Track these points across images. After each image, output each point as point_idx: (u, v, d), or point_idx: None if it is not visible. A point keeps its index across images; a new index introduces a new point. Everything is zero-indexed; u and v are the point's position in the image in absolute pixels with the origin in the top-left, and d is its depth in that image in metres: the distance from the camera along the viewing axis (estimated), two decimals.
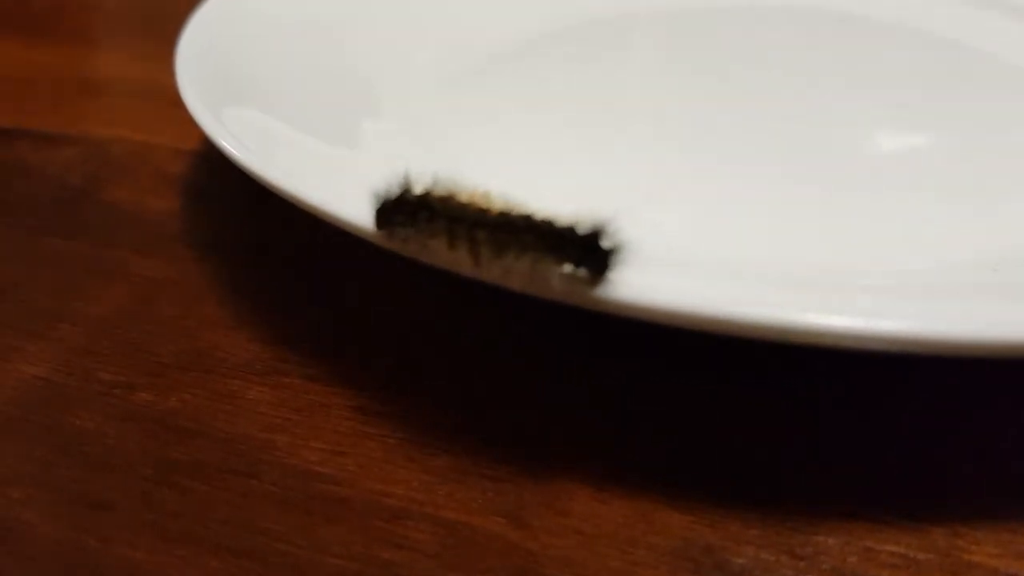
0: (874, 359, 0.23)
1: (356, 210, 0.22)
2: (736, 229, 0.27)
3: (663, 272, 0.21)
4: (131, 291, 0.27)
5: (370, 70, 0.34)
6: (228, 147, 0.25)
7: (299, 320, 0.26)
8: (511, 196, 0.21)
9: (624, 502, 0.20)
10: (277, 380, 0.24)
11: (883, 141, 0.34)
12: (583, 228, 0.20)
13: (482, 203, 0.21)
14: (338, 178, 0.26)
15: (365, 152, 0.30)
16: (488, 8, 0.40)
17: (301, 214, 0.24)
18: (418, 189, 0.21)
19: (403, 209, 0.21)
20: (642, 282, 0.20)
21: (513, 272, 0.20)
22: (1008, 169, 0.31)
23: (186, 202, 0.32)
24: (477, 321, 0.25)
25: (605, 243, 0.20)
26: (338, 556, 0.19)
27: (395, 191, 0.21)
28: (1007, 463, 0.21)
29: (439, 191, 0.21)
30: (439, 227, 0.20)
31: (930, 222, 0.28)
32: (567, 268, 0.20)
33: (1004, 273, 0.25)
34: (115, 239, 0.30)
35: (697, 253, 0.25)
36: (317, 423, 0.22)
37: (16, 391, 0.24)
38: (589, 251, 0.20)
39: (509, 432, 0.22)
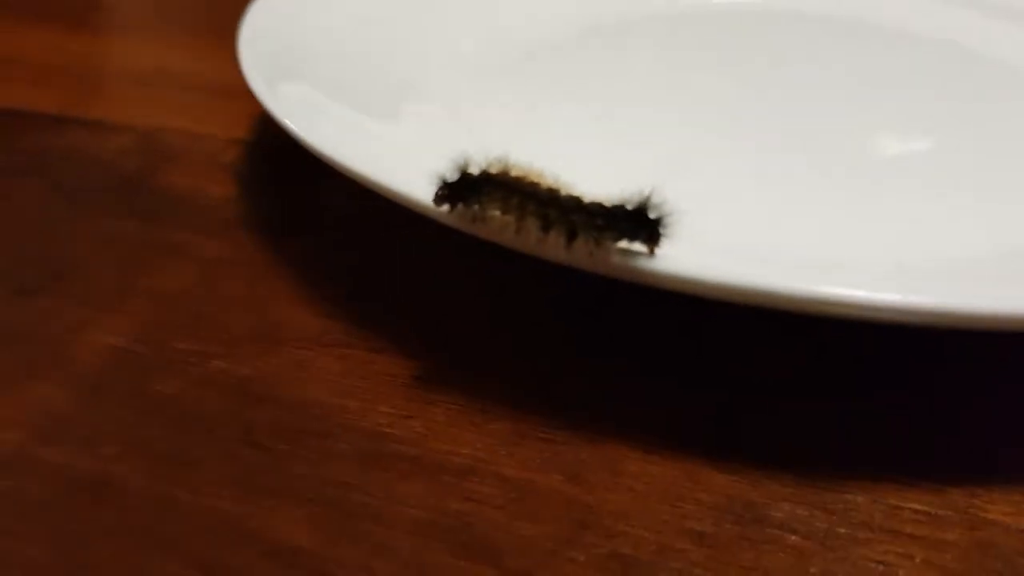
0: (896, 336, 0.25)
1: (419, 187, 0.24)
2: (750, 223, 0.29)
3: (709, 249, 0.22)
4: (196, 269, 0.29)
5: (417, 56, 0.36)
6: (298, 130, 0.27)
7: (359, 294, 0.28)
8: (561, 176, 0.22)
9: (672, 463, 0.22)
10: (343, 351, 0.25)
11: (889, 141, 0.36)
12: (632, 204, 0.22)
13: (538, 182, 0.22)
14: (395, 156, 0.28)
15: (413, 132, 0.31)
16: (529, 2, 0.42)
17: (354, 196, 0.26)
18: (476, 169, 0.23)
19: (465, 187, 0.23)
20: (693, 258, 0.21)
21: (574, 249, 0.22)
22: (1013, 169, 0.32)
23: (240, 187, 0.33)
24: (529, 296, 0.27)
25: (654, 216, 0.21)
26: (414, 507, 0.21)
27: (456, 170, 0.23)
28: (1018, 431, 0.23)
29: (497, 170, 0.23)
30: (506, 205, 0.22)
31: (933, 218, 0.29)
32: (623, 243, 0.22)
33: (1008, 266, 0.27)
34: (175, 221, 0.32)
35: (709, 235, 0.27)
36: (384, 390, 0.24)
37: (98, 360, 0.26)
38: (642, 225, 0.21)
39: (564, 399, 0.24)
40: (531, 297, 0.27)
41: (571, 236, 0.22)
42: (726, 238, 0.26)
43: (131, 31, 0.49)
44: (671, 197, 0.22)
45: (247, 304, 0.27)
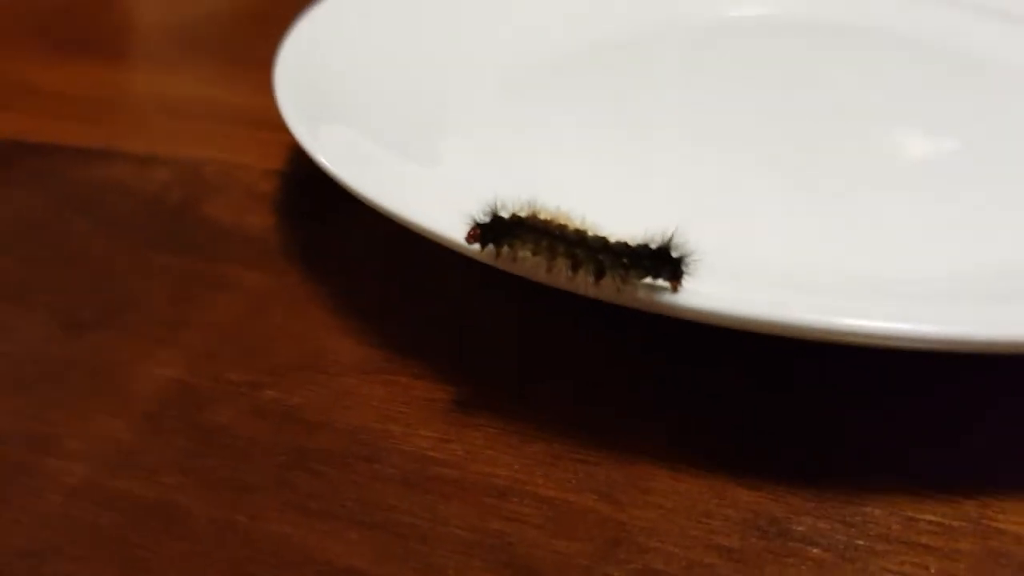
0: (908, 356, 0.26)
1: (455, 227, 0.25)
2: (767, 238, 0.30)
3: (722, 281, 0.24)
4: (243, 300, 0.31)
5: (444, 89, 0.38)
6: (332, 168, 0.29)
7: (398, 324, 0.29)
8: (585, 216, 0.24)
9: (698, 481, 0.24)
10: (386, 378, 0.27)
11: (903, 154, 0.37)
12: (656, 244, 0.23)
13: (566, 224, 0.24)
14: (431, 195, 0.29)
15: (447, 169, 0.33)
16: (537, 29, 0.43)
17: (389, 226, 0.27)
18: (507, 212, 0.24)
19: (497, 229, 0.24)
20: (708, 291, 0.23)
21: (603, 286, 0.23)
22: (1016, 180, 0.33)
23: (279, 218, 0.35)
24: (559, 324, 0.29)
25: (675, 255, 0.23)
26: (457, 527, 0.23)
27: (489, 213, 0.25)
28: None
29: (527, 213, 0.24)
30: (537, 246, 0.24)
31: (947, 229, 0.31)
32: (647, 280, 0.23)
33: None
34: (220, 253, 0.33)
35: (731, 261, 0.28)
36: (425, 415, 0.26)
37: (155, 391, 0.27)
38: (665, 263, 0.23)
39: (595, 423, 0.25)
40: (560, 325, 0.28)
41: (599, 274, 0.23)
42: (748, 262, 0.27)
43: (161, 62, 0.51)
44: (695, 227, 0.23)
45: (292, 334, 0.29)
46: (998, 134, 0.36)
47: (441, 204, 0.27)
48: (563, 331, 0.28)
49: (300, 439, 0.25)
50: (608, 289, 0.23)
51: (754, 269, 0.27)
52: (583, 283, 0.24)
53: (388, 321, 0.29)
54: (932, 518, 0.23)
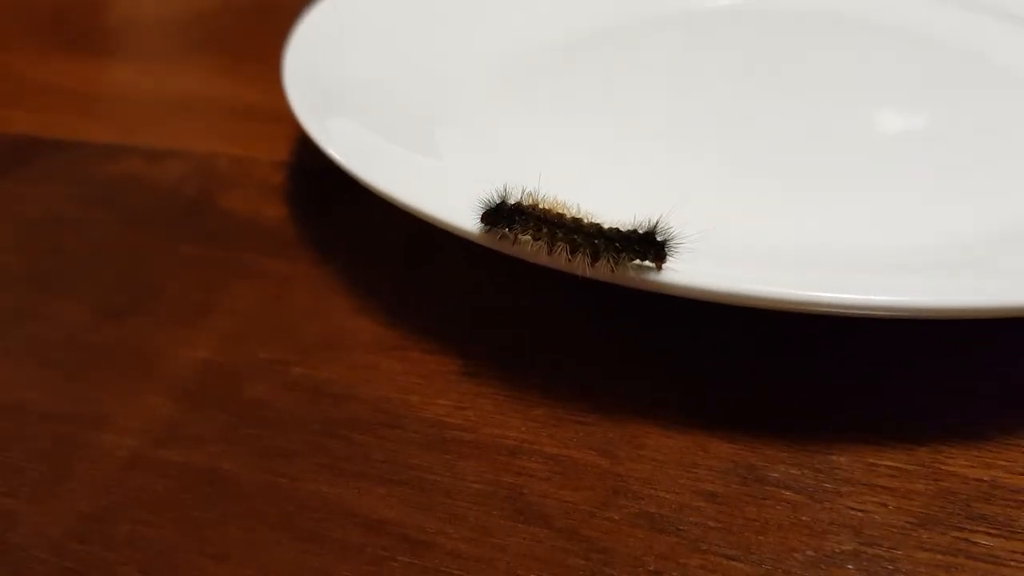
0: (872, 322, 0.29)
1: (459, 213, 0.28)
2: (756, 217, 0.33)
3: (704, 259, 0.27)
4: (264, 286, 0.33)
5: (446, 81, 0.40)
6: (341, 159, 0.32)
7: (409, 304, 0.32)
8: (581, 204, 0.27)
9: (685, 437, 0.27)
10: (402, 354, 0.30)
11: (873, 135, 0.40)
12: (643, 229, 0.26)
13: (564, 213, 0.27)
14: (438, 184, 0.32)
15: (451, 160, 0.36)
16: (534, 22, 0.46)
17: (395, 214, 0.30)
18: (511, 200, 0.27)
19: (500, 215, 0.27)
20: (690, 270, 0.26)
21: (597, 268, 0.26)
22: (994, 158, 0.36)
23: (293, 208, 0.38)
24: (557, 300, 0.32)
25: (660, 239, 0.26)
26: (474, 482, 0.26)
27: (493, 201, 0.27)
28: (975, 396, 0.28)
29: (529, 202, 0.27)
30: (538, 232, 0.27)
31: (913, 206, 0.34)
32: (636, 261, 0.26)
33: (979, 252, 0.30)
34: (239, 243, 0.36)
35: (719, 240, 0.31)
36: (440, 386, 0.29)
37: (192, 371, 0.30)
38: (651, 246, 0.26)
39: (593, 388, 0.28)
40: (558, 301, 0.31)
41: (594, 257, 0.26)
42: (733, 243, 0.30)
43: (168, 59, 0.53)
44: (682, 212, 0.26)
45: (313, 316, 0.32)
46: (970, 113, 0.39)
47: (444, 192, 0.30)
48: (562, 307, 0.31)
49: (329, 410, 0.28)
50: (603, 270, 0.26)
51: (739, 249, 0.30)
52: (581, 265, 0.27)
53: (400, 302, 0.32)
54: (890, 463, 0.26)
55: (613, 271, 0.26)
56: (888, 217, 0.33)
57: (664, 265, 0.26)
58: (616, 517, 0.25)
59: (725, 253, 0.28)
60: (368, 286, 0.33)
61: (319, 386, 0.29)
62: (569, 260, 0.27)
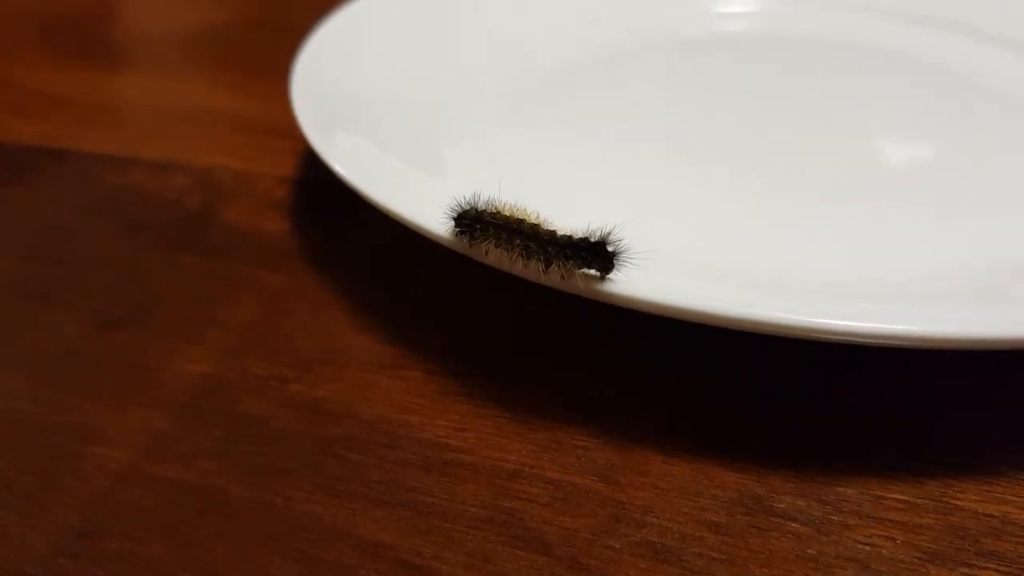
0: (876, 352, 0.29)
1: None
2: (744, 239, 0.33)
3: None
4: (264, 300, 0.33)
5: (446, 102, 0.40)
6: (348, 176, 0.31)
7: (409, 323, 0.31)
8: (542, 211, 0.27)
9: (689, 464, 0.26)
10: (401, 373, 0.29)
11: (880, 161, 0.39)
12: (594, 238, 0.26)
13: (523, 219, 0.27)
14: (432, 200, 0.31)
15: (446, 175, 0.35)
16: (538, 39, 0.46)
17: (398, 231, 0.30)
18: (479, 207, 0.28)
19: (464, 222, 0.28)
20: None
21: (550, 274, 0.27)
22: (994, 187, 0.36)
23: (295, 223, 0.37)
24: (559, 322, 0.31)
25: (610, 249, 0.26)
26: (473, 506, 0.25)
27: (458, 209, 0.28)
28: (986, 429, 0.27)
29: (491, 210, 0.28)
30: (498, 239, 0.27)
31: (923, 234, 0.33)
32: (585, 270, 0.26)
33: (990, 282, 0.30)
34: (240, 256, 0.35)
35: (711, 261, 0.31)
36: (439, 406, 0.28)
37: (187, 384, 0.30)
38: (598, 256, 0.26)
39: (595, 413, 0.28)
40: (563, 323, 0.31)
41: (547, 264, 0.27)
42: (717, 264, 0.31)
43: (174, 72, 0.53)
44: (658, 226, 0.26)
45: (311, 332, 0.31)
46: (972, 143, 0.39)
47: (446, 210, 0.30)
48: (564, 329, 0.31)
49: (326, 428, 0.28)
50: (554, 277, 0.27)
51: (722, 270, 0.30)
52: (535, 271, 0.27)
53: (400, 320, 0.32)
54: (899, 496, 0.25)
55: (564, 278, 0.26)
56: (892, 245, 0.33)
57: (609, 275, 0.26)
58: (617, 545, 0.24)
59: (704, 271, 0.29)
60: (369, 303, 0.32)
61: (316, 403, 0.28)
62: (525, 266, 0.27)
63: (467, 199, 0.28)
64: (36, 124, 0.46)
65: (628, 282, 0.26)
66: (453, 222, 0.28)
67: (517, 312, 0.32)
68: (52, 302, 0.34)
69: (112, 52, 0.55)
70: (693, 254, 0.31)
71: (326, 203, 0.38)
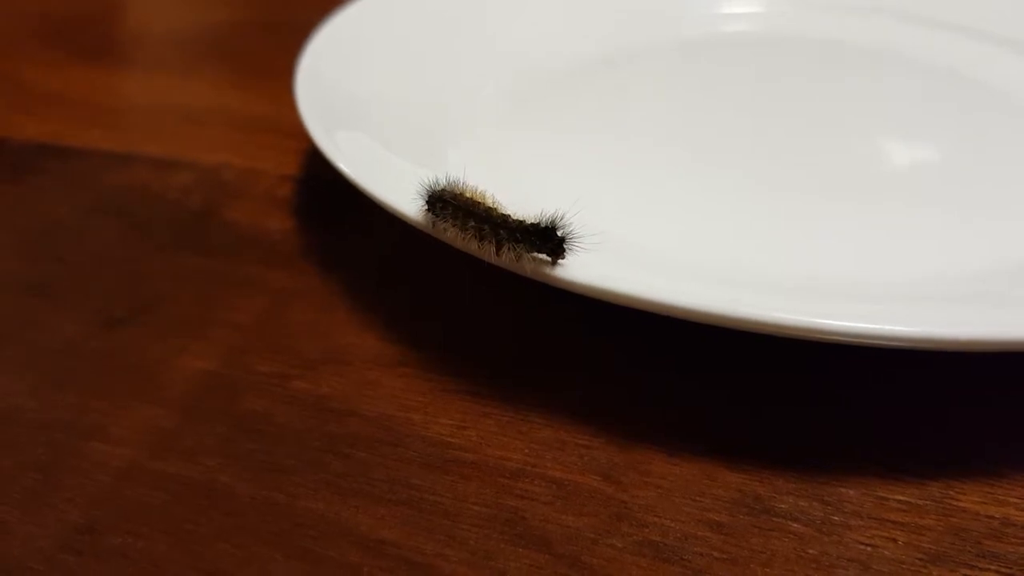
0: (878, 352, 0.29)
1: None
2: (745, 239, 0.33)
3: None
4: (266, 299, 0.33)
5: (451, 100, 0.40)
6: (352, 174, 0.31)
7: (412, 321, 0.31)
8: (500, 197, 0.28)
9: (692, 464, 0.26)
10: (404, 371, 0.29)
11: (882, 162, 0.40)
12: (544, 223, 0.27)
13: (481, 202, 0.28)
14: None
15: (451, 175, 0.35)
16: (543, 39, 0.46)
17: (401, 229, 0.30)
18: (443, 188, 0.28)
19: (429, 203, 0.28)
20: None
21: (501, 256, 0.27)
22: (996, 188, 0.36)
23: (298, 222, 0.37)
24: (563, 321, 0.31)
25: (559, 234, 0.26)
26: (476, 504, 0.25)
27: (425, 190, 0.29)
28: (988, 430, 0.27)
29: (452, 191, 0.28)
30: (455, 219, 0.28)
31: (925, 235, 0.33)
32: (534, 254, 0.27)
33: (991, 284, 0.30)
34: (243, 255, 0.36)
35: (712, 260, 0.31)
36: (442, 405, 0.28)
37: (191, 382, 0.30)
38: (547, 240, 0.26)
39: (598, 412, 0.28)
40: (567, 323, 0.31)
41: (499, 246, 0.27)
42: (718, 262, 0.31)
43: (177, 71, 0.53)
44: (658, 225, 0.27)
45: (314, 330, 0.31)
46: (974, 145, 0.39)
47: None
48: (572, 329, 0.31)
49: (330, 425, 0.28)
50: (506, 259, 0.27)
51: (722, 270, 0.30)
52: (488, 253, 0.27)
53: (403, 318, 0.32)
54: (901, 497, 0.25)
55: (514, 261, 0.27)
56: (894, 246, 0.33)
57: (559, 260, 0.26)
58: (619, 544, 0.24)
59: (704, 271, 0.29)
60: (372, 301, 0.32)
61: (320, 401, 0.28)
62: (479, 247, 0.27)
63: (436, 180, 0.29)
64: (38, 122, 0.46)
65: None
66: (424, 201, 0.29)
67: (520, 311, 0.32)
68: (54, 300, 0.34)
69: (115, 51, 0.55)
70: (693, 253, 0.31)
71: (329, 201, 0.38)
